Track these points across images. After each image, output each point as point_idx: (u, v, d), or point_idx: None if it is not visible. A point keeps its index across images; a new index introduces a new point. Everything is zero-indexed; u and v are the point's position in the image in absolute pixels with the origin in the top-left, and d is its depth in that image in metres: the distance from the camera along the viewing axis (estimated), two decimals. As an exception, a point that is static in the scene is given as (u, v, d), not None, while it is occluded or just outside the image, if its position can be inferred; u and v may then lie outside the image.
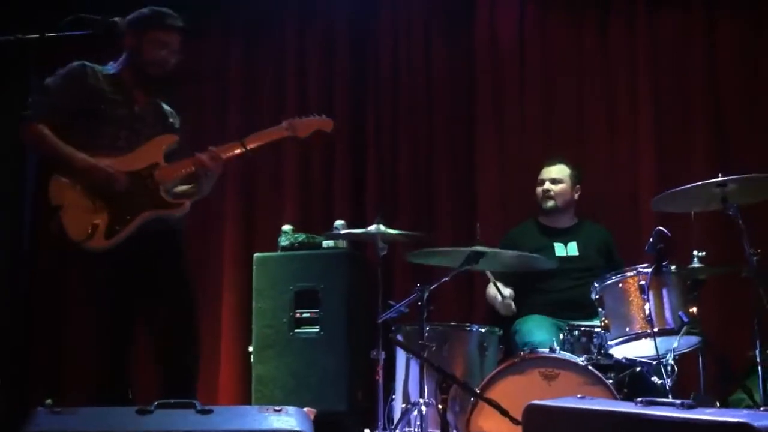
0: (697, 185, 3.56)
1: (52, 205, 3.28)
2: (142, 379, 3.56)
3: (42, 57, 3.29)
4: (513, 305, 4.24)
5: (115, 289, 3.34)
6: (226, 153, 3.44)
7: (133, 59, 3.46)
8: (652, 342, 3.45)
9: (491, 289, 4.31)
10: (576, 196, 4.61)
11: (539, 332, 4.06)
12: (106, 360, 3.38)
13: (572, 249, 4.49)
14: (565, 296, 4.32)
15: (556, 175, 4.57)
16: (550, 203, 4.54)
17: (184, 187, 3.49)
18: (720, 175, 3.52)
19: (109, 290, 3.35)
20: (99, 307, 3.39)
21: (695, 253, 3.75)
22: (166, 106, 3.61)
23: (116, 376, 3.37)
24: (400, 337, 3.98)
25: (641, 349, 3.62)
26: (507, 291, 4.26)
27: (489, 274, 4.20)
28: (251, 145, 3.47)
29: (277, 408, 2.53)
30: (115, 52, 3.46)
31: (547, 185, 4.55)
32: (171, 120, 3.59)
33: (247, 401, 4.62)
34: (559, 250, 4.48)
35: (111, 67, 3.49)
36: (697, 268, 3.73)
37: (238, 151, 3.45)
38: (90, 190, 3.28)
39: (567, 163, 4.62)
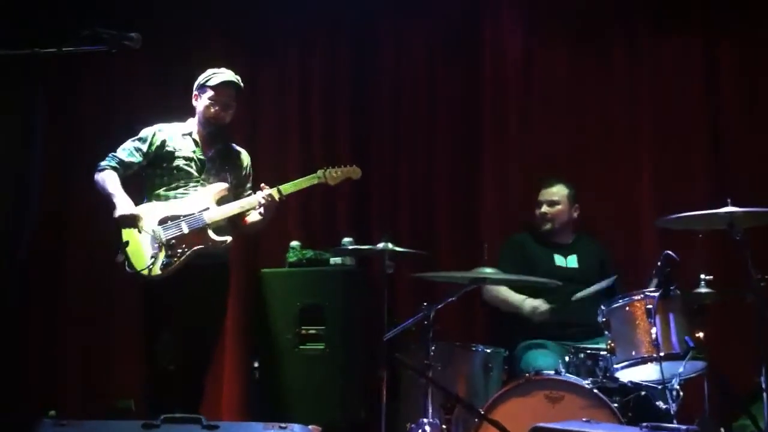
0: (704, 213, 3.54)
1: (122, 241, 3.79)
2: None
3: (55, 70, 3.31)
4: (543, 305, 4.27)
5: (165, 308, 3.83)
6: (269, 195, 3.92)
7: (198, 117, 4.02)
8: (658, 366, 3.45)
9: (512, 295, 4.36)
10: (575, 214, 4.61)
11: (543, 358, 4.04)
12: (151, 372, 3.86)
13: (572, 261, 4.50)
14: (565, 316, 4.28)
15: (553, 197, 4.57)
16: (548, 226, 4.56)
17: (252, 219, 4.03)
18: (729, 201, 3.50)
19: (160, 309, 3.84)
20: (151, 324, 3.90)
21: (702, 276, 3.72)
22: (237, 149, 4.13)
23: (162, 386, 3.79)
24: (404, 356, 3.98)
25: (647, 373, 3.61)
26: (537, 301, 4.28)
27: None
28: (287, 192, 3.97)
29: (282, 425, 2.53)
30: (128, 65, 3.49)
31: (545, 208, 4.56)
32: (237, 166, 4.08)
33: (251, 417, 4.61)
34: (559, 261, 4.49)
35: (188, 125, 4.03)
36: (704, 293, 3.71)
37: (277, 197, 3.93)
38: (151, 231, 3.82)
39: (565, 183, 4.62)
